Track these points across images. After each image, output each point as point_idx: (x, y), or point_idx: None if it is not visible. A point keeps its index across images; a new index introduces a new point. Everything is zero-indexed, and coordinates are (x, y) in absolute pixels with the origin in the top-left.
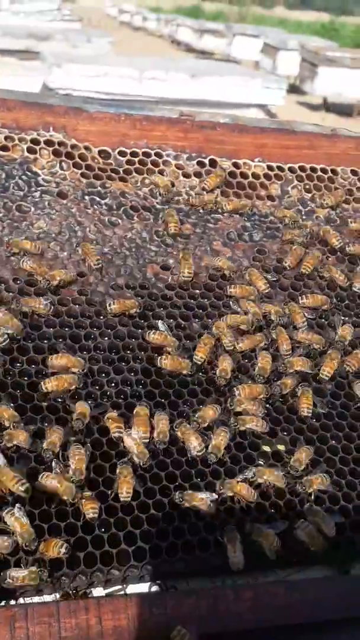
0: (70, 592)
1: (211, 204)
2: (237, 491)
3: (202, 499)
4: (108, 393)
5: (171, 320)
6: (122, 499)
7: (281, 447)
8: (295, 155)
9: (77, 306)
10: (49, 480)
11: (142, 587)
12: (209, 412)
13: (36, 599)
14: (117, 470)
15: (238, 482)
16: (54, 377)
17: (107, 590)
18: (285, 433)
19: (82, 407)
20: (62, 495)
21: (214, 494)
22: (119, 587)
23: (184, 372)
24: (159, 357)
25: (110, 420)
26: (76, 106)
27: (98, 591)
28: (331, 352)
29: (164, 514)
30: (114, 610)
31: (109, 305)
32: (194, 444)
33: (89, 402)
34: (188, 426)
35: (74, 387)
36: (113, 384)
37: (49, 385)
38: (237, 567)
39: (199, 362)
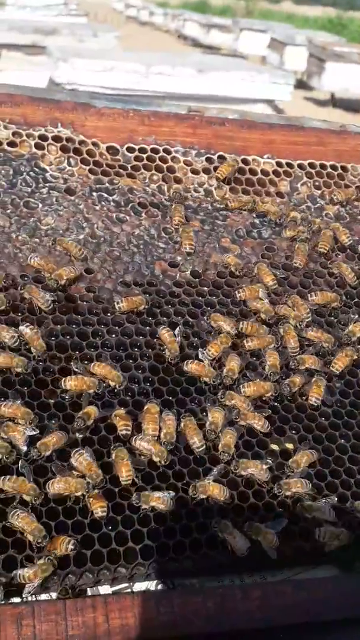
0: (70, 590)
1: (250, 204)
2: (210, 493)
3: (159, 498)
4: (115, 390)
5: (179, 317)
6: (123, 482)
7: (289, 446)
8: (304, 151)
9: (84, 303)
10: (56, 485)
11: (149, 585)
12: (216, 415)
13: (43, 597)
14: (113, 455)
15: (210, 482)
16: (74, 376)
17: (114, 588)
18: (293, 431)
19: (89, 408)
20: (76, 492)
21: (171, 492)
22: (126, 585)
23: (206, 379)
24: (185, 361)
25: (117, 417)
26: (84, 102)
27: (105, 589)
28: (345, 350)
29: (171, 511)
30: (121, 608)
31: (117, 303)
32: (195, 440)
33: (96, 400)
34: (193, 421)
35: (92, 391)
36: None
37: (69, 383)
38: (241, 552)
39: (210, 358)
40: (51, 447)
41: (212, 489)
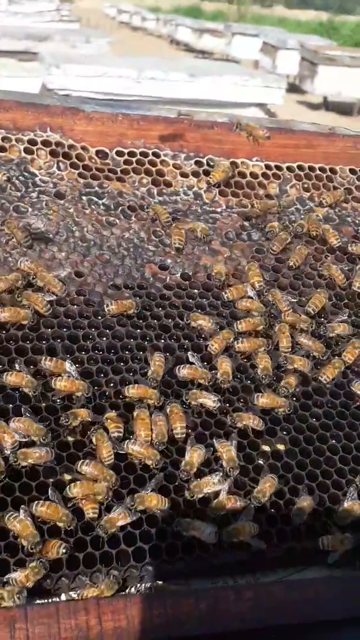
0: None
1: (275, 207)
2: (149, 503)
3: (120, 514)
4: (107, 393)
5: (169, 320)
6: (105, 463)
7: (281, 447)
8: (294, 154)
9: (75, 307)
10: (75, 489)
11: (142, 588)
12: (194, 456)
13: (36, 600)
14: (93, 439)
15: (147, 493)
16: (65, 376)
17: None
18: (284, 432)
19: (81, 410)
20: (98, 495)
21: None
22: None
23: (201, 382)
24: (178, 366)
25: (109, 420)
26: (73, 106)
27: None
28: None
29: (163, 514)
30: (114, 610)
31: (107, 306)
32: (177, 426)
33: (87, 403)
34: (179, 407)
35: (80, 394)
36: (112, 384)
37: (59, 384)
38: (211, 539)
39: (213, 353)
40: (30, 460)
41: (150, 500)
